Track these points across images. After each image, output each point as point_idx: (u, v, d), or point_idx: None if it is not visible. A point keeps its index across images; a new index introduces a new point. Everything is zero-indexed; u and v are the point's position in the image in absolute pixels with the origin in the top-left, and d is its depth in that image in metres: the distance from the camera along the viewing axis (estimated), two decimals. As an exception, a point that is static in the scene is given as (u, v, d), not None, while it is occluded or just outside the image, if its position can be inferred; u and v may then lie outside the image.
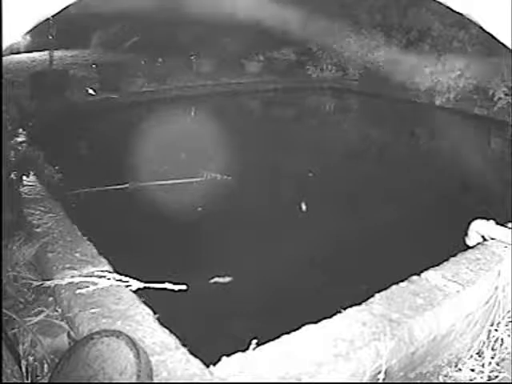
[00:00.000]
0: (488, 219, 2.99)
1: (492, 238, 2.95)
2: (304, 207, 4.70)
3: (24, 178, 3.68)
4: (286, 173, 5.59)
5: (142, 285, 2.53)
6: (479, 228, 2.99)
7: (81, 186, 4.71)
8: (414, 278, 2.57)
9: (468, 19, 2.24)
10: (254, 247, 3.87)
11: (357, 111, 10.38)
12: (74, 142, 6.80)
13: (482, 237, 2.99)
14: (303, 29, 10.92)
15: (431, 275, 2.58)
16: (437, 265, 2.69)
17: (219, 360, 1.95)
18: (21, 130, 5.31)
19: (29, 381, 2.05)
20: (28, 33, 1.77)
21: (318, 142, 6.94)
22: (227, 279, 3.46)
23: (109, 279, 2.48)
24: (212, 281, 3.44)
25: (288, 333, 2.10)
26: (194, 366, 1.94)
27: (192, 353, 2.03)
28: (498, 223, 2.96)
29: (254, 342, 2.01)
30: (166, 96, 9.17)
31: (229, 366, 1.92)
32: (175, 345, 2.06)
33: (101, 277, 2.49)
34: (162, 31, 10.29)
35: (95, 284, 2.43)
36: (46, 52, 8.94)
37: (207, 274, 3.50)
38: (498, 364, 2.40)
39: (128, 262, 2.70)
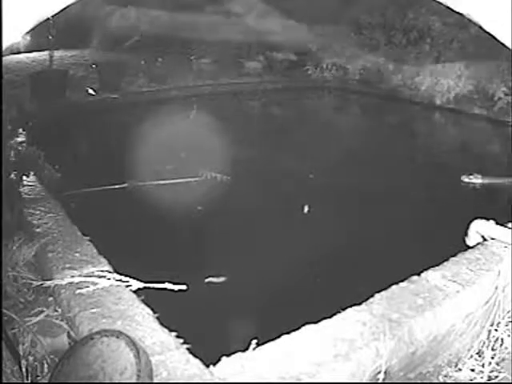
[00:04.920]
0: (488, 219, 2.99)
1: (492, 238, 2.95)
2: (306, 209, 4.69)
3: (24, 178, 3.68)
4: (286, 173, 5.59)
5: (142, 285, 2.53)
6: (479, 228, 2.99)
7: (81, 185, 4.71)
8: (414, 278, 2.57)
9: (468, 19, 2.24)
10: (254, 247, 3.87)
11: (357, 111, 10.37)
12: (74, 141, 6.80)
13: (482, 237, 2.99)
14: (303, 29, 10.94)
15: (431, 275, 2.58)
16: (437, 265, 2.69)
17: (219, 360, 1.95)
18: (21, 130, 5.31)
19: (29, 381, 2.05)
20: (28, 33, 1.77)
21: (317, 142, 6.94)
22: (221, 279, 3.46)
23: (109, 279, 2.48)
24: (206, 280, 3.43)
25: (288, 333, 2.10)
26: (194, 366, 1.95)
27: (192, 353, 2.03)
28: (497, 223, 2.96)
29: (254, 342, 2.01)
30: (166, 96, 9.16)
31: (229, 366, 1.92)
32: (175, 345, 2.07)
33: (101, 277, 2.50)
34: (162, 31, 10.31)
35: (95, 284, 2.43)
36: (46, 52, 8.93)
37: (207, 273, 3.50)
38: (497, 364, 2.40)
39: (128, 262, 2.71)
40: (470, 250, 2.88)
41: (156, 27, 10.44)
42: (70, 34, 9.79)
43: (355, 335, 2.09)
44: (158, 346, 2.04)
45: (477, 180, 5.51)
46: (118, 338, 1.85)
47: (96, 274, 2.54)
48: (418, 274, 2.60)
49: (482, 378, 2.35)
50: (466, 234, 3.05)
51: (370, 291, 2.43)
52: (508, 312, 2.59)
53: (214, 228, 4.22)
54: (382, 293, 2.42)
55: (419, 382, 2.31)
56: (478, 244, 2.97)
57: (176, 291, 2.67)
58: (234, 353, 1.98)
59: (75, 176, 4.87)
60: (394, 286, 2.48)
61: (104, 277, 2.50)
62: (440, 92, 9.11)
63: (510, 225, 2.97)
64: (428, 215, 4.50)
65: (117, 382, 1.74)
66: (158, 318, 2.26)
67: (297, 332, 2.11)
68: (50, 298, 2.54)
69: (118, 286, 2.46)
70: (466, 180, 5.53)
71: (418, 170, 6.07)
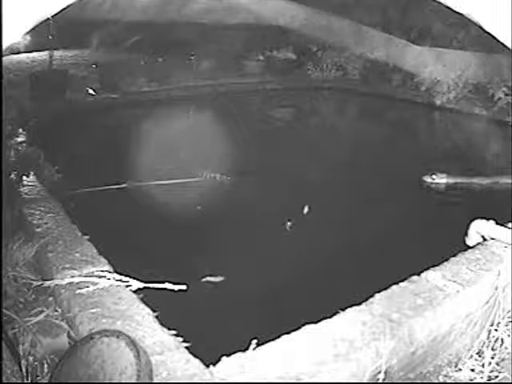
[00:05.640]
0: (488, 219, 2.99)
1: (492, 238, 2.95)
2: (306, 210, 4.68)
3: (24, 177, 3.69)
4: (286, 173, 5.59)
5: (142, 285, 2.53)
6: (479, 228, 3.00)
7: (81, 185, 4.71)
8: (414, 278, 2.57)
9: (468, 19, 2.24)
10: (254, 247, 3.87)
11: (357, 111, 10.36)
12: (74, 141, 6.79)
13: (482, 237, 2.99)
14: (303, 28, 10.93)
15: (431, 275, 2.58)
16: (437, 265, 2.69)
17: (219, 360, 1.95)
18: (21, 130, 5.31)
19: (29, 381, 2.05)
20: (28, 33, 1.77)
21: (317, 142, 6.94)
22: (219, 278, 3.46)
23: (109, 279, 2.48)
24: (203, 280, 3.43)
25: (288, 333, 2.10)
26: (194, 366, 1.95)
27: (192, 353, 2.03)
28: (497, 223, 2.96)
29: (254, 342, 2.01)
30: (166, 96, 9.16)
31: (229, 366, 1.92)
32: (175, 345, 2.07)
33: (101, 277, 2.50)
34: (161, 31, 10.30)
35: (95, 284, 2.43)
36: (46, 52, 8.93)
37: (207, 273, 3.50)
38: (498, 364, 2.40)
39: (128, 262, 2.71)
40: (469, 250, 2.88)
41: (146, 15, 10.28)
42: (70, 34, 9.79)
43: (355, 335, 2.09)
44: (158, 346, 2.04)
45: (440, 180, 5.23)
46: (118, 337, 1.85)
47: (96, 274, 2.54)
48: (418, 274, 2.60)
49: (482, 378, 2.35)
50: (466, 234, 3.05)
51: (369, 291, 2.43)
52: (508, 312, 2.59)
53: (214, 228, 4.22)
54: (382, 293, 2.42)
55: (419, 382, 2.31)
56: (478, 244, 2.97)
57: (176, 291, 2.67)
58: (234, 353, 1.98)
59: (75, 176, 4.86)
60: (394, 286, 2.48)
61: (104, 277, 2.50)
62: (440, 92, 9.10)
63: (509, 225, 2.97)
64: (428, 215, 4.50)
65: (117, 381, 1.75)
66: (157, 318, 2.26)
67: (297, 332, 2.11)
68: (50, 298, 2.54)
69: (118, 286, 2.46)
70: (429, 180, 5.25)
71: (417, 169, 6.06)
